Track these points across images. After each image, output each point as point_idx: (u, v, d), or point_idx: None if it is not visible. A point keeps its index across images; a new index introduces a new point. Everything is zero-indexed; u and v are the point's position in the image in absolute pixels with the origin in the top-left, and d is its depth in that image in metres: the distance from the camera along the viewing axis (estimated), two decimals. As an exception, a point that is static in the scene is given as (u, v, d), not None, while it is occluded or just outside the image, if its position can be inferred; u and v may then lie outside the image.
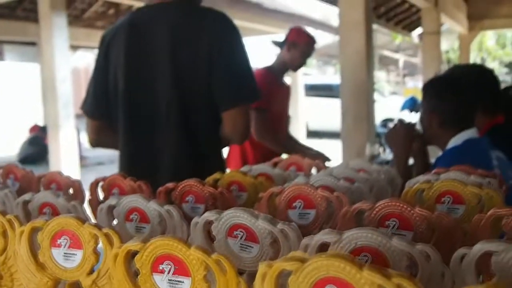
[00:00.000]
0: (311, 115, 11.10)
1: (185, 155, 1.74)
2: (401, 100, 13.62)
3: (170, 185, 0.95)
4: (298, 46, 3.27)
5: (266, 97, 3.27)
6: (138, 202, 0.83)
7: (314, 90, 14.65)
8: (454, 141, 1.94)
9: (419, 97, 7.66)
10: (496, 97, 2.39)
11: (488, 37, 20.56)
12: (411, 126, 2.14)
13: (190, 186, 0.94)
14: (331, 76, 19.86)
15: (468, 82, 2.12)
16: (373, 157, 3.71)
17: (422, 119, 2.04)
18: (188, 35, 1.72)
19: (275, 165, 1.32)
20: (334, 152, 4.69)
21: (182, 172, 1.67)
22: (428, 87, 2.05)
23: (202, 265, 0.56)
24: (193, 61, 1.71)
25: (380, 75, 22.39)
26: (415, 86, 19.86)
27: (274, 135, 3.16)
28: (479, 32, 11.56)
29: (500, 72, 27.51)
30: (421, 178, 1.04)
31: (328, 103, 11.84)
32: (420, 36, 8.62)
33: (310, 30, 3.56)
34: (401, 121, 2.14)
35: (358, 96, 4.46)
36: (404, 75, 24.37)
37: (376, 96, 14.29)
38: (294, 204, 0.87)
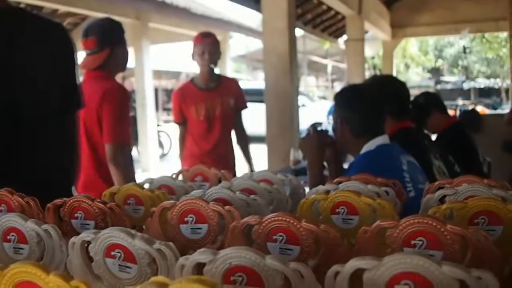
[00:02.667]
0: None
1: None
2: (329, 104, 13.94)
3: (58, 201, 0.90)
4: (194, 50, 3.39)
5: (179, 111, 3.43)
6: (15, 221, 0.77)
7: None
8: (367, 147, 1.98)
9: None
10: (403, 104, 2.49)
11: (411, 44, 21.47)
12: (323, 133, 2.17)
13: (79, 202, 0.89)
14: (262, 81, 20.02)
15: (376, 91, 2.19)
16: (298, 162, 3.74)
17: (334, 128, 2.07)
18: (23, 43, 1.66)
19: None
20: (264, 157, 4.72)
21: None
22: (339, 97, 2.09)
23: (62, 292, 0.52)
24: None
25: (309, 80, 22.84)
26: (343, 91, 20.31)
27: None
28: (402, 39, 12.06)
29: (424, 77, 28.86)
30: (321, 188, 1.04)
31: (258, 108, 11.93)
32: (346, 42, 8.86)
33: (238, 36, 3.68)
34: (314, 129, 2.16)
35: (282, 102, 4.51)
36: (333, 80, 25.00)
37: (305, 100, 14.61)
38: (186, 219, 0.85)
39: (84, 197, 0.89)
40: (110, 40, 2.60)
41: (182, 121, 3.50)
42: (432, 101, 3.73)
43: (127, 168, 2.52)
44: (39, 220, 0.84)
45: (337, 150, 2.18)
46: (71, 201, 0.90)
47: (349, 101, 2.05)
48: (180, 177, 1.33)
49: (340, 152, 2.25)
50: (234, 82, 3.74)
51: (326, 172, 2.24)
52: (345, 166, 2.32)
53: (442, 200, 0.96)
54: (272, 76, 4.53)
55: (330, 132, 2.21)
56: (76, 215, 0.90)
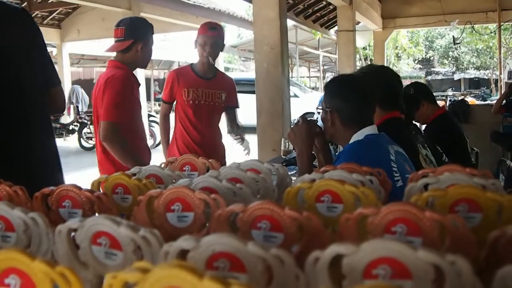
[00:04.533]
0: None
1: None
2: (321, 94, 13.98)
3: (45, 190, 0.91)
4: (197, 40, 3.43)
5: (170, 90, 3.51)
6: (2, 209, 0.78)
7: (237, 85, 14.69)
8: (356, 137, 1.99)
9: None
10: (394, 95, 2.48)
11: (403, 35, 21.50)
12: (312, 123, 2.18)
13: (66, 191, 0.90)
14: (254, 72, 19.99)
15: (367, 80, 2.19)
16: (288, 152, 3.75)
17: (323, 117, 2.08)
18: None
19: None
20: (255, 147, 4.75)
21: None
22: (329, 86, 2.09)
23: (47, 278, 0.54)
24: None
25: (301, 71, 22.83)
26: (335, 81, 20.30)
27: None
28: (392, 30, 12.08)
29: (415, 67, 28.95)
30: (307, 177, 1.06)
31: (250, 98, 11.94)
32: (337, 33, 8.86)
33: (231, 26, 3.72)
34: (303, 119, 2.17)
35: (273, 93, 4.51)
36: (324, 71, 25.00)
37: (296, 91, 14.61)
38: (172, 207, 0.86)
39: (72, 186, 0.90)
40: (135, 33, 2.88)
41: (169, 101, 3.55)
42: (421, 92, 3.75)
43: (119, 143, 2.74)
44: (27, 208, 0.85)
45: (326, 139, 2.19)
46: (59, 190, 0.91)
47: (339, 90, 2.05)
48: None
49: (329, 142, 2.27)
50: (229, 78, 3.75)
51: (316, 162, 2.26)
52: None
53: (425, 188, 0.98)
54: (263, 66, 4.53)
55: (319, 122, 2.22)
56: (63, 204, 0.91)
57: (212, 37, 3.39)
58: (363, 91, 2.03)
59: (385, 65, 12.15)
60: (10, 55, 1.84)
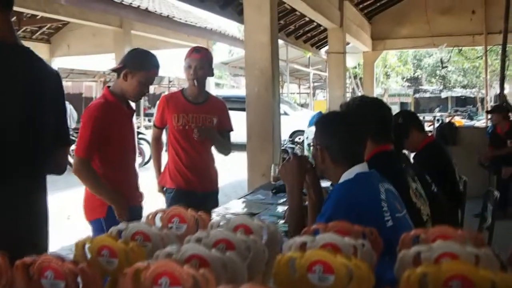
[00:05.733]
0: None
1: None
2: (311, 113, 14.01)
3: (27, 259, 0.88)
4: (184, 63, 3.47)
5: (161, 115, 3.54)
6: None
7: (227, 102, 14.72)
8: (346, 176, 1.97)
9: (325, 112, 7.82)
10: (386, 129, 2.46)
11: (391, 54, 21.71)
12: (303, 159, 2.17)
13: (49, 261, 0.87)
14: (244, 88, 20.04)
15: (359, 116, 2.18)
16: (278, 178, 3.73)
17: (314, 154, 2.07)
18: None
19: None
20: (245, 165, 4.74)
21: None
22: (320, 123, 2.08)
23: None
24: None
25: (291, 87, 22.91)
26: (325, 98, 20.49)
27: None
28: (382, 52, 12.20)
29: (403, 85, 29.21)
30: (298, 240, 1.04)
31: (241, 116, 11.93)
32: (327, 54, 8.92)
33: (222, 45, 3.78)
34: (294, 155, 2.16)
35: (263, 116, 4.51)
36: (315, 87, 25.12)
37: (287, 108, 14.65)
38: (159, 281, 0.83)
39: (55, 257, 0.87)
40: (127, 60, 2.89)
41: (161, 126, 3.59)
42: (410, 120, 3.76)
43: (87, 180, 2.76)
44: (7, 277, 0.82)
45: (317, 176, 2.18)
46: (41, 260, 0.88)
47: (330, 128, 2.04)
48: (158, 217, 1.32)
49: (320, 178, 2.25)
50: (221, 103, 3.73)
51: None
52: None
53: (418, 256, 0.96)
54: (253, 89, 4.53)
55: (310, 158, 2.21)
56: (45, 274, 0.88)
57: (196, 60, 3.41)
58: (354, 129, 2.02)
59: (374, 83, 12.27)
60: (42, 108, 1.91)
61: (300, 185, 2.14)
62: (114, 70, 2.98)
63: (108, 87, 2.98)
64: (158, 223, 1.31)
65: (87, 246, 1.05)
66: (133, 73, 2.83)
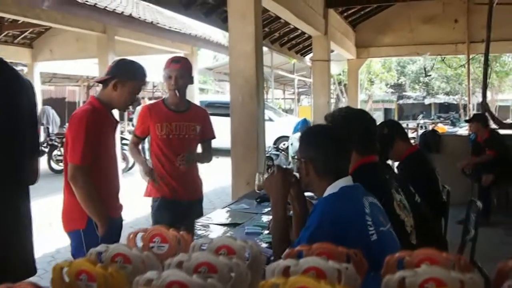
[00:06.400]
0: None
1: None
2: (295, 119, 14.03)
3: (2, 286, 0.85)
4: (164, 74, 3.49)
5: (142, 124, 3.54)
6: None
7: (211, 108, 14.70)
8: (331, 189, 1.97)
9: (310, 118, 7.90)
10: (371, 141, 2.46)
11: (375, 61, 21.88)
12: (288, 172, 2.16)
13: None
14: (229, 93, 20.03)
15: (344, 129, 2.17)
16: (262, 187, 3.72)
17: (299, 167, 2.06)
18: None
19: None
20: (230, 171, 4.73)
21: None
22: (304, 137, 2.07)
23: None
24: None
25: (276, 93, 22.95)
26: (309, 104, 20.55)
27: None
28: (366, 59, 12.29)
29: (387, 91, 29.46)
30: (281, 263, 1.02)
31: (226, 121, 11.88)
32: (312, 62, 8.95)
33: (207, 50, 3.85)
34: (278, 168, 2.14)
35: (248, 125, 4.49)
36: (299, 93, 25.19)
37: (271, 114, 14.65)
38: (139, 311, 0.81)
39: (29, 284, 0.84)
40: (115, 70, 2.87)
41: (141, 136, 3.59)
42: (394, 130, 3.78)
43: (81, 188, 2.69)
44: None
45: (301, 189, 2.17)
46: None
47: (314, 141, 2.03)
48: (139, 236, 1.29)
49: (305, 190, 2.24)
50: (203, 111, 3.80)
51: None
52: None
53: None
54: (238, 98, 4.51)
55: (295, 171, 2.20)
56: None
57: (176, 70, 3.45)
58: (338, 143, 2.01)
59: (358, 90, 12.34)
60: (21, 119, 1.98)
61: (284, 198, 2.12)
62: (100, 82, 2.96)
63: (94, 95, 2.98)
64: (139, 242, 1.29)
65: (65, 270, 1.02)
66: (123, 82, 2.83)
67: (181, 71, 3.46)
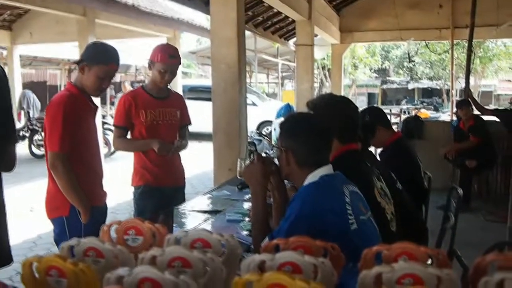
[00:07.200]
0: (191, 118, 10.95)
1: None
2: (279, 103, 14.00)
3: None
4: (155, 64, 3.37)
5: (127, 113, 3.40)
6: None
7: (194, 92, 14.60)
8: (311, 178, 1.95)
9: (293, 103, 7.87)
10: (352, 127, 2.44)
11: (360, 46, 21.87)
12: (268, 161, 2.13)
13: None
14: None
15: (325, 117, 2.15)
16: (243, 174, 3.70)
17: (279, 156, 2.04)
18: None
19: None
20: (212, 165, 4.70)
21: None
22: (285, 126, 2.04)
23: None
24: None
25: (260, 77, 22.86)
26: (293, 88, 20.53)
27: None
28: (350, 44, 12.26)
29: (371, 76, 29.57)
30: (257, 257, 1.00)
31: (208, 106, 11.79)
32: (295, 46, 8.90)
33: (190, 34, 3.75)
34: (258, 157, 2.12)
35: (230, 112, 4.46)
36: (283, 77, 25.13)
37: (255, 99, 14.60)
38: (108, 310, 0.78)
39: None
40: (85, 53, 2.82)
41: (124, 126, 3.44)
42: (376, 117, 3.77)
43: (62, 176, 2.67)
44: None
45: (281, 178, 2.15)
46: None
47: (295, 131, 1.99)
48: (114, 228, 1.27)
49: (285, 179, 2.22)
50: (180, 96, 3.78)
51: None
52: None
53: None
54: (220, 85, 4.47)
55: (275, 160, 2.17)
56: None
57: (172, 65, 3.40)
58: (319, 131, 1.99)
59: (342, 75, 12.34)
60: None
61: (264, 188, 2.10)
62: (75, 63, 2.90)
63: (70, 81, 2.91)
64: (114, 234, 1.26)
65: (34, 265, 0.99)
66: (89, 66, 2.76)
67: (176, 66, 3.43)
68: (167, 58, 3.35)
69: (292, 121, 2.08)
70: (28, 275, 1.00)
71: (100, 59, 2.78)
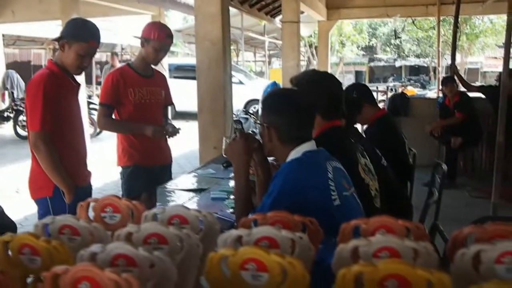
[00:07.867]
0: (178, 97, 10.93)
1: None
2: (266, 82, 13.94)
3: None
4: (150, 42, 3.32)
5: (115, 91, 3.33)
6: None
7: (181, 71, 14.48)
8: (294, 154, 1.94)
9: (280, 82, 7.77)
10: (335, 104, 2.42)
11: (347, 23, 21.77)
12: (250, 137, 2.12)
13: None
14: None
15: (309, 93, 2.13)
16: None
17: (261, 133, 2.02)
18: None
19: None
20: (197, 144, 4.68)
21: None
22: (267, 102, 2.01)
23: None
24: None
25: (247, 55, 22.70)
26: (280, 66, 20.46)
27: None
28: (337, 21, 12.18)
29: (358, 54, 29.52)
30: (234, 233, 0.99)
31: (195, 84, 11.68)
32: (281, 24, 8.82)
33: (176, 12, 3.73)
34: (240, 133, 2.10)
35: (214, 90, 4.41)
36: (270, 56, 24.98)
37: (242, 77, 14.51)
38: (79, 286, 0.77)
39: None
40: (64, 30, 2.77)
41: (111, 104, 3.38)
42: (363, 94, 3.76)
43: (43, 155, 2.65)
44: None
45: (264, 154, 2.13)
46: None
47: (277, 107, 1.98)
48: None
49: (268, 156, 2.21)
50: (164, 76, 3.76)
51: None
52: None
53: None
54: (204, 62, 4.41)
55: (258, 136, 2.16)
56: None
57: (168, 44, 3.39)
58: (302, 108, 1.97)
59: (329, 53, 12.28)
60: None
61: (247, 165, 2.09)
62: (55, 40, 2.85)
63: (51, 59, 2.86)
64: (91, 212, 1.24)
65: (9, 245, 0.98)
66: (69, 44, 2.72)
67: (170, 46, 3.43)
68: (165, 37, 3.33)
69: (274, 97, 2.06)
70: (1, 254, 0.99)
71: (80, 37, 2.72)
